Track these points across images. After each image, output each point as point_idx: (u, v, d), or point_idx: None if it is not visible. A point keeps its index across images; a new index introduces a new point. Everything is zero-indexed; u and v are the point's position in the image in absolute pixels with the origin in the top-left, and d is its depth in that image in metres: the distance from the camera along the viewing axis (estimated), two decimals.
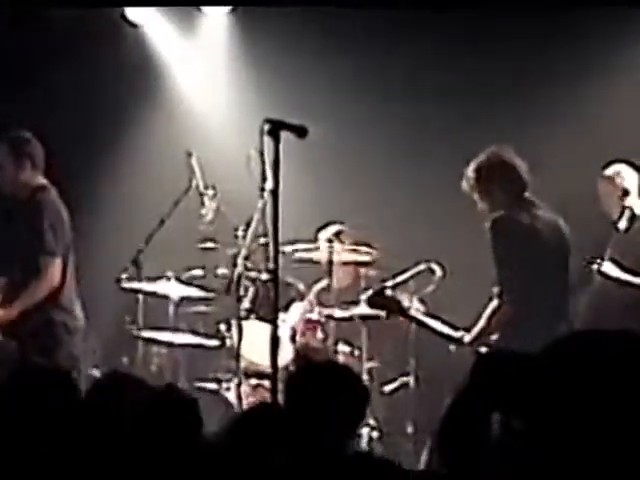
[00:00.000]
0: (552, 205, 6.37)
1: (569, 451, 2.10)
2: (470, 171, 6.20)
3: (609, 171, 7.13)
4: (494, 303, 6.09)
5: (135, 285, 7.09)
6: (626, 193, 7.02)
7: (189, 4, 8.11)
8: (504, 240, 6.05)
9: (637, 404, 2.07)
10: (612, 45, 7.66)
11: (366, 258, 7.19)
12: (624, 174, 7.07)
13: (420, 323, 6.26)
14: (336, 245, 7.06)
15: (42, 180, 6.69)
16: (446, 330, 6.13)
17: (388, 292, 6.38)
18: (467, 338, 6.09)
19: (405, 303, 6.45)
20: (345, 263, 7.29)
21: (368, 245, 7.11)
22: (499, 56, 7.77)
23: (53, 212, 6.61)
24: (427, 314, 6.32)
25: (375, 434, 6.85)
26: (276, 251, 5.18)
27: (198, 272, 7.40)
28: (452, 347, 6.26)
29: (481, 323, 6.11)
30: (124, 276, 6.99)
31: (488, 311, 6.11)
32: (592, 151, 7.48)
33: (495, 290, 6.08)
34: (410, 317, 6.27)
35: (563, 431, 2.11)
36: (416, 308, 6.53)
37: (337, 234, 7.20)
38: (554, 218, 6.29)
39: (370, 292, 6.50)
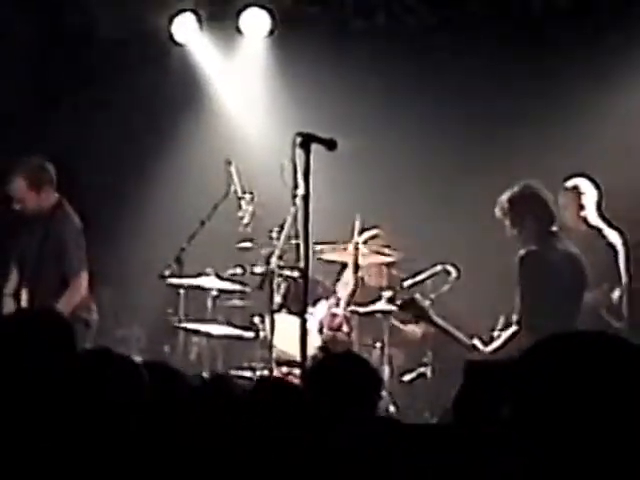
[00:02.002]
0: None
1: (555, 451, 2.08)
2: (504, 201, 6.36)
3: (569, 183, 7.12)
4: (513, 328, 6.21)
5: (177, 280, 7.21)
6: (582, 207, 7.03)
7: None
8: (530, 274, 6.16)
9: (615, 401, 2.06)
10: None
11: (390, 259, 7.26)
12: (583, 188, 7.07)
13: (440, 327, 6.35)
14: (362, 247, 7.11)
15: (55, 195, 6.92)
16: (462, 337, 6.26)
17: (419, 300, 6.51)
18: (482, 349, 6.22)
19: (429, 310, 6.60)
20: (370, 264, 7.37)
21: (391, 247, 7.17)
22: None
23: (74, 228, 6.87)
24: (446, 320, 6.40)
25: None
26: (307, 251, 5.31)
27: (238, 270, 7.41)
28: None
29: (498, 342, 6.24)
30: (167, 272, 7.11)
31: (506, 334, 6.24)
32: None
33: (515, 317, 6.20)
34: (433, 323, 6.37)
35: (548, 430, 2.10)
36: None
37: (372, 237, 7.26)
38: (576, 253, 6.40)
39: (403, 298, 6.61)
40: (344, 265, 7.36)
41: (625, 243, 7.04)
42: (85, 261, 6.87)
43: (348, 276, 7.27)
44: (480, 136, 7.90)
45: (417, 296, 6.66)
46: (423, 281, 7.12)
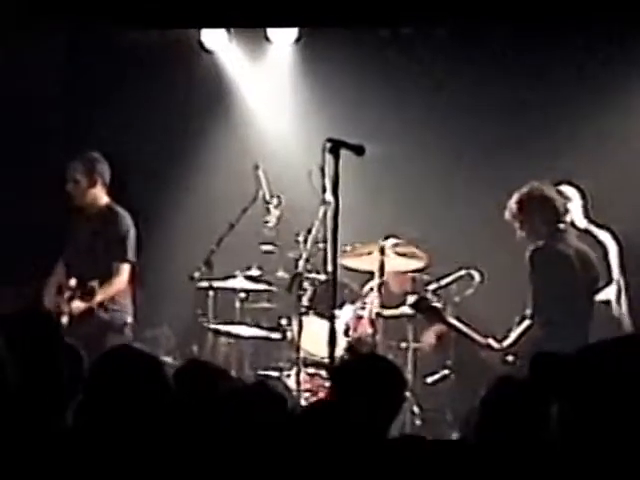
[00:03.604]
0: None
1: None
2: (512, 202, 6.36)
3: (559, 189, 6.95)
4: (526, 323, 6.19)
5: (206, 283, 7.23)
6: (566, 211, 6.92)
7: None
8: (541, 269, 6.16)
9: None
10: None
11: (414, 265, 7.25)
12: (568, 193, 7.01)
13: (456, 329, 6.33)
14: (388, 252, 7.09)
15: (107, 199, 7.06)
16: (477, 337, 6.23)
17: (430, 300, 6.50)
18: (497, 346, 6.20)
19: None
20: (395, 269, 7.35)
21: (417, 255, 7.17)
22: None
23: (126, 225, 6.98)
24: (461, 321, 6.37)
25: (418, 421, 6.92)
26: (335, 255, 5.31)
27: (256, 272, 7.43)
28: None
29: (512, 338, 6.22)
30: (197, 274, 7.13)
31: (520, 329, 6.22)
32: None
33: (528, 312, 6.19)
34: (447, 323, 6.35)
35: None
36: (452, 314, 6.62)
37: (394, 246, 7.21)
38: (585, 248, 6.43)
39: (414, 297, 6.60)
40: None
41: (617, 240, 7.05)
42: (131, 257, 6.98)
43: (375, 281, 7.24)
44: (500, 141, 7.88)
45: (428, 295, 6.67)
46: (447, 285, 7.14)
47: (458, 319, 6.39)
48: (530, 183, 6.38)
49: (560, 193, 6.97)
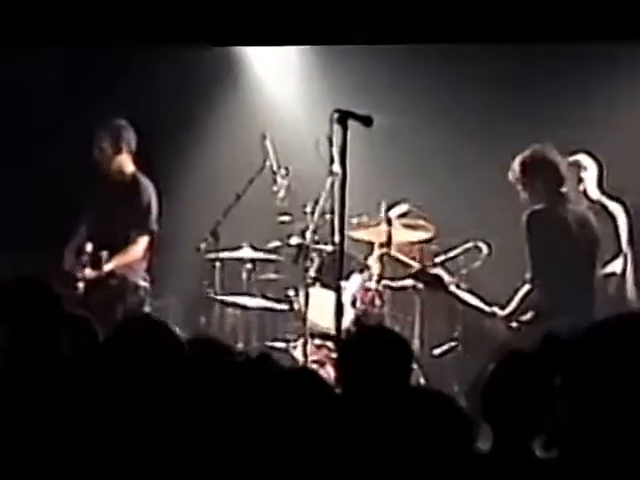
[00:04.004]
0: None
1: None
2: (515, 165, 6.40)
3: (571, 158, 7.03)
4: (526, 287, 6.21)
5: (213, 254, 7.24)
6: (581, 181, 6.99)
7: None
8: (538, 231, 6.19)
9: None
10: None
11: (422, 236, 7.22)
12: (584, 162, 7.04)
13: (459, 299, 6.37)
14: (395, 224, 7.07)
15: (133, 167, 7.07)
16: (481, 305, 6.26)
17: (431, 270, 6.49)
18: (501, 314, 6.23)
19: (446, 279, 6.57)
20: (403, 240, 7.31)
21: (424, 226, 7.14)
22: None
23: (148, 195, 7.06)
24: (464, 290, 6.40)
25: None
26: (342, 226, 5.30)
27: (276, 243, 7.42)
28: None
29: (514, 303, 6.24)
30: (203, 246, 7.14)
31: (521, 294, 6.23)
32: None
33: (527, 275, 6.20)
34: (450, 293, 6.39)
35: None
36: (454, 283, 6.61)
37: (403, 215, 7.21)
38: (586, 214, 6.44)
39: (416, 267, 6.62)
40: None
41: (627, 212, 7.05)
42: (152, 226, 7.06)
43: (380, 252, 7.22)
44: (509, 112, 7.80)
45: (428, 265, 6.75)
46: (455, 257, 7.12)
47: (462, 288, 6.39)
48: (533, 146, 6.37)
49: (576, 162, 7.03)
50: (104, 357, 3.27)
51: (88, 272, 6.80)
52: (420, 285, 6.81)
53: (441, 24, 6.65)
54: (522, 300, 6.21)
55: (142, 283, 7.09)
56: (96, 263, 6.81)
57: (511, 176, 6.39)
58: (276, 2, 6.74)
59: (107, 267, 6.83)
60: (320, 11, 6.63)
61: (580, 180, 7.03)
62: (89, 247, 6.84)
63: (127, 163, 7.10)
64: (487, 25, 6.69)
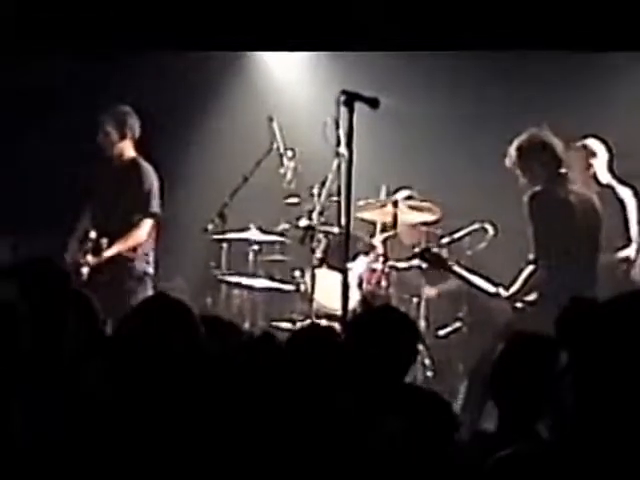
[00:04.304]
0: None
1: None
2: (512, 149, 6.36)
3: (578, 143, 7.08)
4: (530, 267, 6.21)
5: (220, 235, 7.27)
6: (590, 166, 7.01)
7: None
8: (540, 212, 6.17)
9: None
10: None
11: (428, 218, 7.25)
12: (593, 147, 7.05)
13: (461, 277, 6.35)
14: (402, 206, 7.09)
15: (134, 152, 7.16)
16: (484, 284, 6.25)
17: (434, 249, 6.51)
18: (505, 294, 6.22)
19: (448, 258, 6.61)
20: (408, 221, 7.35)
21: (430, 208, 7.16)
22: None
23: (150, 179, 7.08)
24: (469, 270, 6.39)
25: (430, 373, 6.95)
26: (348, 208, 5.30)
27: (286, 226, 7.44)
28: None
29: (518, 284, 6.23)
30: (210, 227, 7.19)
31: (524, 274, 6.23)
32: None
33: (531, 256, 6.21)
34: (452, 271, 6.36)
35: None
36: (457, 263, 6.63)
37: (407, 198, 7.25)
38: (588, 194, 6.42)
39: (420, 248, 6.63)
40: (383, 224, 7.33)
41: (637, 197, 7.05)
42: (154, 210, 7.08)
43: (386, 233, 7.26)
44: (516, 96, 7.82)
45: (444, 243, 6.80)
46: (460, 239, 7.16)
47: (466, 268, 6.40)
48: (529, 130, 6.37)
49: (585, 147, 7.05)
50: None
51: (90, 258, 6.84)
52: (424, 265, 6.80)
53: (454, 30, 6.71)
54: (526, 280, 6.20)
55: (146, 267, 7.13)
56: (97, 250, 6.85)
57: (508, 162, 6.36)
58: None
59: (110, 252, 6.88)
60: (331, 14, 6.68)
61: (589, 165, 7.05)
62: (93, 234, 6.88)
63: (129, 149, 7.15)
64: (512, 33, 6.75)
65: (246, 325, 7.22)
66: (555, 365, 3.30)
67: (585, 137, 7.08)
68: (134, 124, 7.13)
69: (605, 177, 7.06)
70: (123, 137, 7.10)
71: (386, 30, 6.84)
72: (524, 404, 3.43)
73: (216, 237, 7.29)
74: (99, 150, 7.18)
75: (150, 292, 7.05)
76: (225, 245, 7.39)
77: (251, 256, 7.47)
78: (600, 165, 7.06)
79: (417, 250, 6.62)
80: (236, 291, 7.62)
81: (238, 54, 8.37)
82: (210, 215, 7.20)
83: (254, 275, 7.41)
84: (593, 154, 7.05)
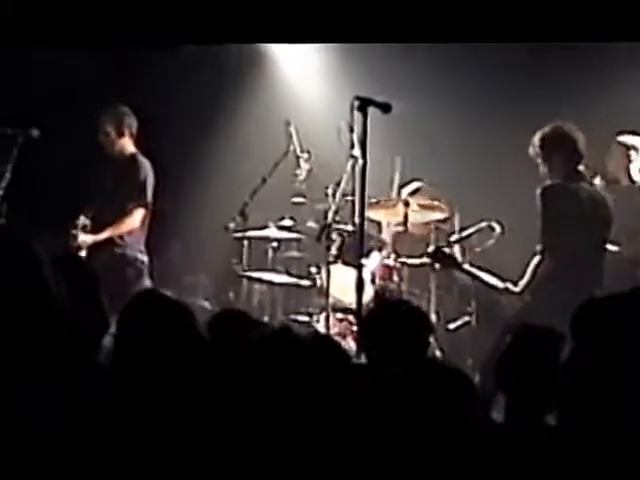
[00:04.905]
0: None
1: None
2: (536, 139, 6.41)
3: (620, 138, 7.02)
4: (536, 259, 6.26)
5: (241, 233, 7.43)
6: (629, 161, 6.95)
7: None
8: (551, 205, 6.21)
9: None
10: None
11: (437, 215, 7.30)
12: (632, 142, 6.96)
13: (473, 275, 6.42)
14: (412, 204, 7.16)
15: (133, 148, 7.39)
16: (493, 281, 6.31)
17: (446, 250, 6.61)
18: (516, 289, 6.26)
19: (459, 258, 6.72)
20: (419, 221, 7.39)
21: (439, 207, 7.22)
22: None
23: (145, 170, 7.31)
24: (478, 267, 6.44)
25: None
26: (362, 207, 5.46)
27: (288, 222, 7.55)
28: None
29: (527, 276, 6.27)
30: (232, 225, 7.35)
31: (532, 265, 6.28)
32: None
33: (538, 247, 6.26)
34: (463, 270, 6.45)
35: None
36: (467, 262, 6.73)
37: (416, 191, 7.35)
38: (601, 193, 6.45)
39: (432, 247, 6.72)
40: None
41: None
42: (147, 200, 7.26)
43: (394, 229, 7.38)
44: (526, 92, 7.86)
45: (442, 245, 6.79)
46: (469, 236, 7.22)
47: (475, 266, 6.47)
48: (554, 121, 6.41)
49: (622, 143, 6.98)
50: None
51: (82, 238, 7.11)
52: (437, 265, 6.91)
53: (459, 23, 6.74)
54: (534, 272, 6.24)
55: (140, 256, 7.31)
56: (85, 229, 7.14)
57: (531, 150, 6.40)
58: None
59: (102, 235, 7.13)
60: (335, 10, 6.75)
61: (629, 161, 6.95)
62: (82, 220, 7.16)
63: (129, 145, 7.40)
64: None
65: (266, 318, 7.33)
66: (561, 356, 3.23)
67: (621, 133, 6.98)
68: (132, 122, 7.38)
69: (636, 173, 6.94)
70: (121, 135, 7.35)
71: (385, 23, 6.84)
72: (532, 395, 3.43)
73: (237, 235, 7.45)
74: (100, 148, 7.39)
75: (147, 281, 7.25)
76: (246, 242, 7.52)
77: (270, 253, 7.60)
78: (636, 163, 6.94)
79: (429, 250, 6.70)
80: (256, 286, 7.75)
81: (256, 60, 8.49)
82: (231, 214, 7.33)
83: (273, 271, 7.54)
84: (633, 149, 6.92)
